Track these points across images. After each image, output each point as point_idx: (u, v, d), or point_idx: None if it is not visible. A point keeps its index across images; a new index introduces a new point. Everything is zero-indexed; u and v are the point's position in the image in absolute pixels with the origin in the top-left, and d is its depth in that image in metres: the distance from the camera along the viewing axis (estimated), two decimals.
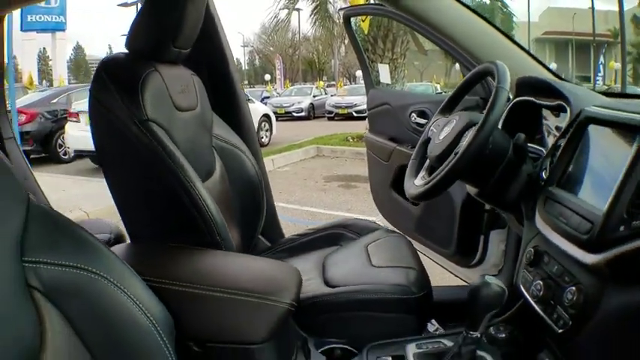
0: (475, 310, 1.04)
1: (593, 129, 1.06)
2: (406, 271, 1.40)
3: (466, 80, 1.37)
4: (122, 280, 0.82)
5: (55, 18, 12.96)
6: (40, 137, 8.91)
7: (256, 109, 9.99)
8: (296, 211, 4.77)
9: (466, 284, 1.86)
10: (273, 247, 1.76)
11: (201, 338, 1.03)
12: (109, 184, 1.25)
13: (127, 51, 1.30)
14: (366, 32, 8.29)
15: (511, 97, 1.50)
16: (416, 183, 1.29)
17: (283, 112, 17.48)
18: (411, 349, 1.16)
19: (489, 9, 11.93)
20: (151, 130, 1.16)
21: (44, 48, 38.11)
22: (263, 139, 10.44)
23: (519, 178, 1.18)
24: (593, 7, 25.41)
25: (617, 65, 20.26)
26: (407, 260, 1.47)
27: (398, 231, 1.95)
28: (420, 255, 1.61)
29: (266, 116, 10.69)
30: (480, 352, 1.10)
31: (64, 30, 14.67)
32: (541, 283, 1.04)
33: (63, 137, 8.74)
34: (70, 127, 8.15)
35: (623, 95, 2.09)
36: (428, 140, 1.36)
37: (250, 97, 9.54)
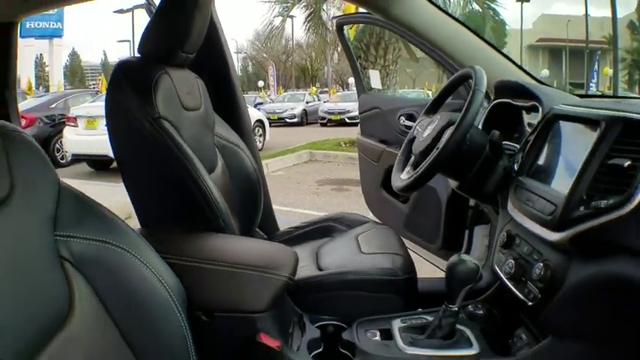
0: (452, 284, 1.16)
1: (563, 125, 1.18)
2: (392, 256, 1.50)
3: (449, 83, 1.48)
4: (142, 254, 0.92)
5: (53, 24, 13.01)
6: (39, 141, 8.83)
7: (250, 115, 9.98)
8: (290, 213, 4.83)
9: None
10: (269, 239, 1.84)
11: (210, 308, 1.12)
12: (124, 179, 1.34)
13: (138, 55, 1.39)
14: (351, 39, 8.44)
15: (492, 98, 1.63)
16: (402, 177, 1.40)
17: (276, 118, 17.44)
18: (397, 324, 1.26)
19: (481, 17, 12.02)
20: (162, 126, 1.25)
21: (41, 54, 37.72)
22: (256, 144, 10.41)
23: (496, 172, 1.29)
24: (587, 14, 25.58)
25: (612, 72, 20.37)
26: (394, 248, 1.58)
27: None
28: (410, 252, 1.67)
29: (259, 121, 10.73)
30: (459, 327, 1.20)
31: (61, 36, 14.72)
32: (512, 262, 1.15)
33: (61, 141, 8.72)
34: (67, 132, 8.14)
35: (596, 96, 2.21)
36: (413, 139, 1.46)
37: None
